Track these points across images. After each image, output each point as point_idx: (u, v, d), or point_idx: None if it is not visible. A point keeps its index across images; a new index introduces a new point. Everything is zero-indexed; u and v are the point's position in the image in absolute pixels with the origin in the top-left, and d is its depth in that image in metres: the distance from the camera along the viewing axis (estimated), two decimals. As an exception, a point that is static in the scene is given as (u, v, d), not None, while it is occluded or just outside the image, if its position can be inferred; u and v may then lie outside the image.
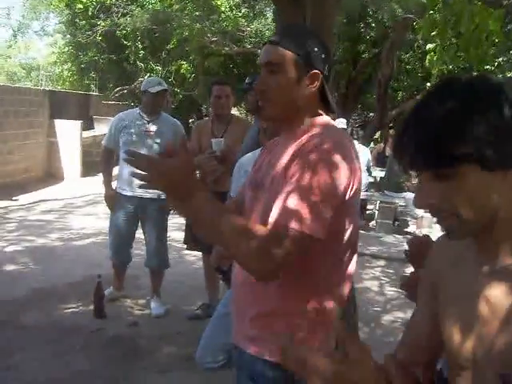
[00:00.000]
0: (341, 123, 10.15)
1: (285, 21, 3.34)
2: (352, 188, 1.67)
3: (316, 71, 1.75)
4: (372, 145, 14.91)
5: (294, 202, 1.56)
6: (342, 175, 1.62)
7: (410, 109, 1.08)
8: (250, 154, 3.06)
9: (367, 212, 10.11)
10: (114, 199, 4.95)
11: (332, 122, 1.83)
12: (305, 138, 1.72)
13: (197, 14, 14.04)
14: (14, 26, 20.50)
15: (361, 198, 7.51)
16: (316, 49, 1.76)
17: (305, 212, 1.54)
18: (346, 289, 1.85)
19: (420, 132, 1.01)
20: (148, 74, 15.20)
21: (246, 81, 4.34)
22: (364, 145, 10.21)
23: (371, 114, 17.32)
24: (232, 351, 2.07)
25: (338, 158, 1.62)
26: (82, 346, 4.23)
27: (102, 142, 5.18)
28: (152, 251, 5.00)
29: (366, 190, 9.36)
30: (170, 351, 4.25)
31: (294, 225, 1.54)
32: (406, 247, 1.98)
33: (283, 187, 1.62)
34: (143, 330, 4.64)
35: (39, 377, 3.76)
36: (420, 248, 1.84)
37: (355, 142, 9.17)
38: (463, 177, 1.00)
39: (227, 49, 14.53)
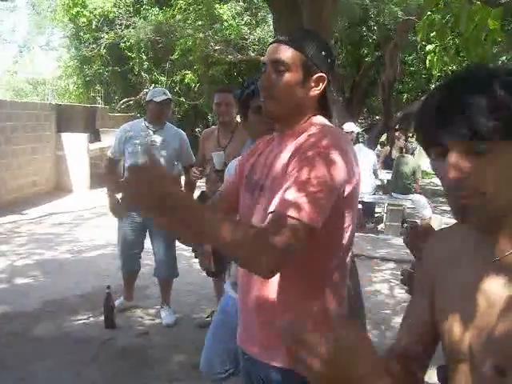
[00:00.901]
0: (350, 127, 10.17)
1: (283, 28, 3.36)
2: (350, 186, 1.68)
3: (322, 74, 1.77)
4: (379, 147, 14.92)
5: (292, 193, 1.56)
6: (340, 170, 1.63)
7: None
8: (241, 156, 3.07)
9: (375, 215, 10.10)
10: (119, 211, 4.97)
11: (327, 121, 1.85)
12: (303, 136, 1.74)
13: (199, 23, 14.10)
14: (19, 42, 20.67)
15: (369, 201, 7.52)
16: (323, 52, 1.78)
17: (302, 202, 1.54)
18: (345, 288, 1.87)
19: (465, 102, 0.99)
20: (153, 85, 15.29)
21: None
22: (370, 148, 10.21)
23: (377, 117, 17.32)
24: (238, 357, 2.08)
25: (335, 154, 1.63)
26: (93, 357, 4.25)
27: (107, 153, 5.22)
28: (161, 261, 5.02)
29: (374, 193, 9.36)
30: (181, 360, 4.26)
31: (291, 213, 1.52)
32: (402, 278, 1.97)
33: (283, 185, 1.62)
34: (154, 339, 4.65)
35: (51, 388, 3.79)
36: (419, 234, 1.85)
37: (361, 145, 9.19)
38: (498, 153, 0.99)
39: (231, 57, 14.59)
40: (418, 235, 1.87)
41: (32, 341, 4.48)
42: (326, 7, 3.24)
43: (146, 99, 5.00)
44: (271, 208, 1.59)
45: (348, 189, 1.68)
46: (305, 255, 1.61)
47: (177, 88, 15.83)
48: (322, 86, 1.79)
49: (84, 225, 9.28)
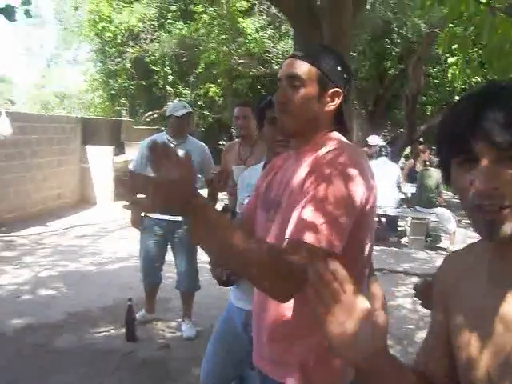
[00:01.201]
0: (375, 140, 10.12)
1: (304, 41, 3.36)
2: (368, 203, 1.65)
3: (338, 89, 1.75)
4: (403, 160, 14.81)
5: (309, 214, 1.53)
6: (359, 188, 1.60)
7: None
8: (254, 166, 3.06)
9: (399, 229, 10.02)
10: (140, 223, 5.00)
11: (343, 137, 1.82)
12: (320, 152, 1.72)
13: (223, 37, 14.20)
14: (47, 57, 21.00)
15: (392, 214, 7.45)
16: (339, 68, 1.77)
17: (321, 224, 1.51)
18: None
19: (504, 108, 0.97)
20: (177, 98, 15.40)
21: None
22: (393, 161, 10.14)
23: (401, 130, 17.23)
24: (243, 368, 2.06)
25: (353, 171, 1.60)
26: (114, 369, 4.25)
27: (129, 167, 5.25)
28: (182, 274, 5.03)
29: (397, 207, 9.29)
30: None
31: (310, 239, 1.50)
32: (415, 292, 1.94)
33: (300, 202, 1.60)
34: (175, 352, 4.65)
35: (72, 400, 3.80)
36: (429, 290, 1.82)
37: (384, 158, 9.13)
38: None
39: (254, 70, 14.67)
40: (428, 291, 1.84)
41: (54, 352, 4.51)
42: (345, 20, 3.24)
43: (167, 114, 5.03)
44: (288, 231, 1.56)
45: (367, 206, 1.65)
46: None
47: (201, 101, 15.94)
48: (337, 102, 1.77)
49: (107, 237, 9.34)
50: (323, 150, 1.72)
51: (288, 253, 1.49)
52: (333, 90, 1.75)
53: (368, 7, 10.88)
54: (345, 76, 1.79)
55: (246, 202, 2.53)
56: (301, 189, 1.66)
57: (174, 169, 1.34)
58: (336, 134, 1.81)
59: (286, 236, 1.56)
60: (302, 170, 1.71)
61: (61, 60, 20.41)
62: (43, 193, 11.37)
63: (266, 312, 1.79)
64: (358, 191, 1.60)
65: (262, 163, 2.83)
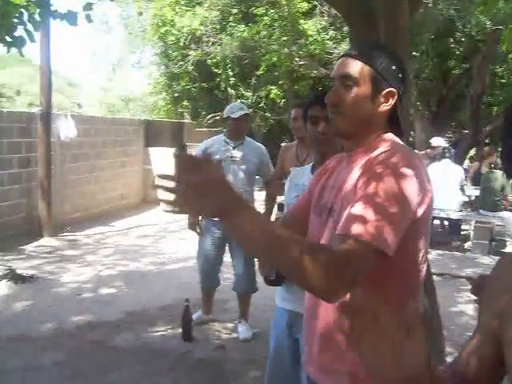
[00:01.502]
0: (438, 141, 9.91)
1: (359, 39, 3.31)
2: (422, 207, 1.58)
3: (392, 89, 1.70)
4: (468, 163, 14.44)
5: (359, 210, 1.48)
6: (412, 190, 1.53)
7: None
8: (302, 167, 3.02)
9: (462, 233, 9.76)
10: (197, 225, 5.05)
11: (397, 139, 1.76)
12: (373, 155, 1.66)
13: (284, 39, 14.17)
14: (113, 61, 21.46)
15: (455, 217, 7.23)
16: (393, 67, 1.71)
17: (370, 219, 1.45)
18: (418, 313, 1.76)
19: None
20: (239, 101, 15.48)
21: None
22: (457, 163, 9.89)
23: (465, 132, 16.80)
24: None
25: (407, 171, 1.54)
26: (170, 369, 4.30)
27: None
28: (240, 275, 5.04)
29: (461, 210, 9.05)
30: (255, 375, 4.23)
31: (357, 230, 1.44)
32: (472, 287, 1.86)
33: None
34: (230, 353, 4.66)
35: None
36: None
37: (447, 160, 8.92)
38: None
39: (316, 72, 14.57)
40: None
41: (111, 350, 4.60)
42: (401, 17, 3.16)
43: (224, 115, 5.06)
44: (339, 228, 1.52)
45: (421, 209, 1.58)
46: (376, 282, 1.53)
47: (262, 103, 15.95)
48: (391, 102, 1.71)
49: (168, 237, 9.47)
50: (376, 152, 1.66)
51: (337, 255, 1.44)
52: (387, 89, 1.69)
53: (430, 5, 10.67)
54: (400, 75, 1.73)
55: (294, 202, 2.51)
56: (353, 192, 1.61)
57: (205, 172, 1.34)
58: (390, 136, 1.74)
59: (338, 230, 1.52)
60: (354, 174, 1.66)
61: (126, 64, 20.80)
62: (107, 193, 11.64)
63: (317, 319, 1.74)
64: (411, 192, 1.53)
65: (311, 164, 2.80)
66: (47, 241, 8.80)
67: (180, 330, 4.87)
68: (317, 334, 1.76)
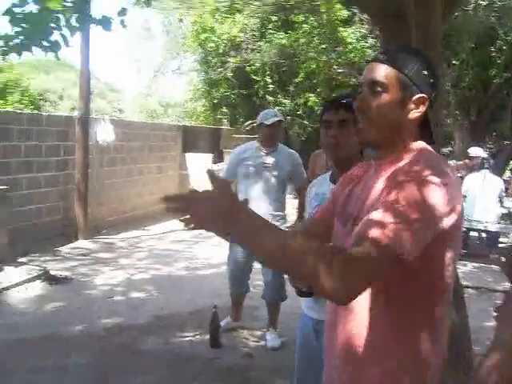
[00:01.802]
0: (476, 151, 9.72)
1: (389, 43, 3.25)
2: (451, 217, 1.50)
3: (423, 95, 1.62)
4: (509, 174, 14.15)
5: (378, 215, 1.43)
6: (438, 198, 1.46)
7: None
8: (322, 176, 2.97)
9: (500, 245, 9.53)
10: (226, 233, 5.02)
11: (429, 147, 1.68)
12: (400, 164, 1.59)
13: (323, 46, 14.15)
14: (154, 67, 21.77)
15: (493, 230, 7.07)
16: (425, 72, 1.63)
17: (389, 223, 1.40)
18: (444, 329, 1.66)
19: None
20: (276, 108, 15.49)
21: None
22: (496, 174, 9.67)
23: (506, 142, 16.47)
24: None
25: (433, 180, 1.47)
26: (197, 374, 4.28)
27: (220, 174, 5.30)
28: (269, 283, 5.00)
29: (499, 222, 8.85)
30: (282, 384, 4.20)
31: (375, 233, 1.39)
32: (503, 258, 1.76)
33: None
34: (257, 361, 4.62)
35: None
36: None
37: (486, 171, 8.74)
38: None
39: (354, 80, 14.49)
40: None
41: (138, 354, 4.61)
42: (434, 21, 3.08)
43: (257, 122, 5.04)
44: (356, 231, 1.48)
45: (450, 221, 1.50)
46: (401, 295, 1.49)
47: (300, 111, 15.94)
48: (423, 109, 1.63)
49: (202, 243, 9.48)
50: (404, 161, 1.60)
51: (351, 256, 1.40)
52: (418, 95, 1.62)
53: (470, 13, 10.48)
54: (431, 80, 1.65)
55: (313, 211, 2.47)
56: (377, 202, 1.55)
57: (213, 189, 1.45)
58: (421, 144, 1.66)
59: (353, 233, 1.49)
60: (380, 184, 1.60)
61: (166, 70, 21.07)
62: (143, 198, 11.74)
63: (338, 334, 1.68)
64: (437, 201, 1.46)
65: (330, 173, 2.75)
66: (82, 243, 8.91)
67: (208, 336, 4.85)
68: (337, 349, 1.68)
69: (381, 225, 1.40)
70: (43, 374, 4.19)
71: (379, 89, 1.62)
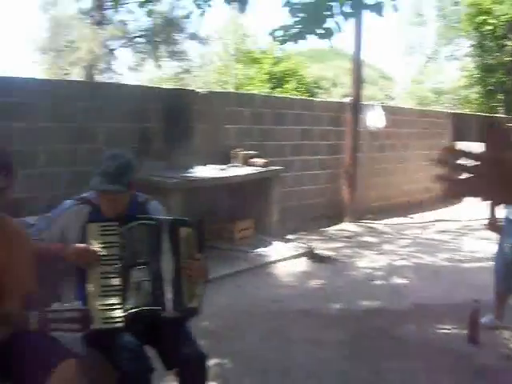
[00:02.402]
0: None
1: None
2: None
3: None
4: None
5: None
6: None
7: None
8: None
9: None
10: (496, 227, 4.78)
11: None
12: None
13: None
14: (427, 53, 21.34)
15: None
16: None
17: None
18: None
19: None
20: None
21: None
22: None
23: None
24: None
25: None
26: (450, 370, 4.15)
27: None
28: None
29: None
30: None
31: None
32: None
33: None
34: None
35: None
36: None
37: None
38: None
39: None
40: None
41: (393, 339, 4.64)
42: None
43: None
44: None
45: None
46: None
47: None
48: None
49: (469, 235, 9.12)
50: None
51: None
52: None
53: None
54: None
55: None
56: None
57: None
58: None
59: None
60: None
61: (439, 56, 20.47)
62: (411, 185, 11.66)
63: None
64: None
65: None
66: (347, 226, 9.19)
67: (465, 332, 4.67)
68: None
69: None
70: (298, 344, 4.45)
71: None
